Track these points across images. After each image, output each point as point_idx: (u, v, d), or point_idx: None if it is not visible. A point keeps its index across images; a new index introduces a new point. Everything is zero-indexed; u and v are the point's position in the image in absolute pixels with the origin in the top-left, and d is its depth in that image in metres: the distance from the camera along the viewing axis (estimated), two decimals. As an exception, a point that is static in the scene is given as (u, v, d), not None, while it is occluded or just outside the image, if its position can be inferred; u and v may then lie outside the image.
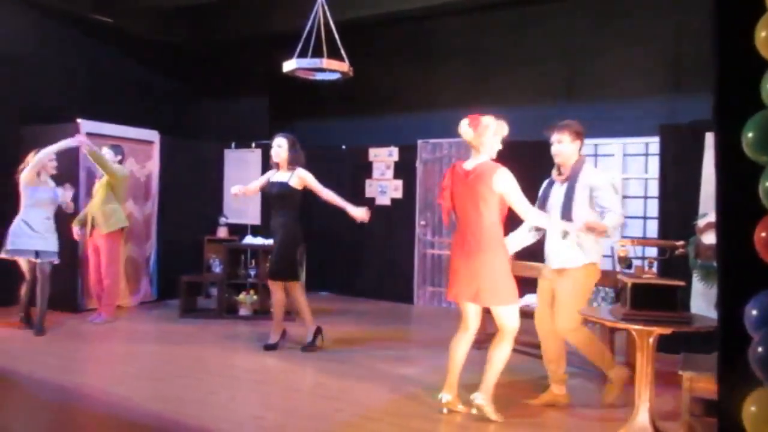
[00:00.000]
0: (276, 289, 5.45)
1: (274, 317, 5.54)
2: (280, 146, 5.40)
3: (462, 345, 3.88)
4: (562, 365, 4.08)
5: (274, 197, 5.40)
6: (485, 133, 3.68)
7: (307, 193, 8.51)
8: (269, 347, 5.39)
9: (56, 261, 5.81)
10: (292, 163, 5.40)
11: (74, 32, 7.63)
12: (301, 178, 5.37)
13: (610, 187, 3.94)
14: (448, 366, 3.88)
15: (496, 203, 3.64)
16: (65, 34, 7.54)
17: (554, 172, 4.13)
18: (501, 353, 3.73)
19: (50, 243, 5.75)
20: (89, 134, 6.80)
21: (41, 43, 7.24)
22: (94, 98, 7.57)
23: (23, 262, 5.84)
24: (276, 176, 5.43)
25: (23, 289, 5.94)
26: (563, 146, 4.00)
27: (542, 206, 4.05)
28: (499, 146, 3.77)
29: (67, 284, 6.59)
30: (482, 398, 3.69)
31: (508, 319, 3.72)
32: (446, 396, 3.86)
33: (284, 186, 5.33)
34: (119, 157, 6.40)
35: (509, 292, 3.69)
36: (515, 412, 3.90)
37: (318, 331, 5.49)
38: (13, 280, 6.08)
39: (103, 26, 7.81)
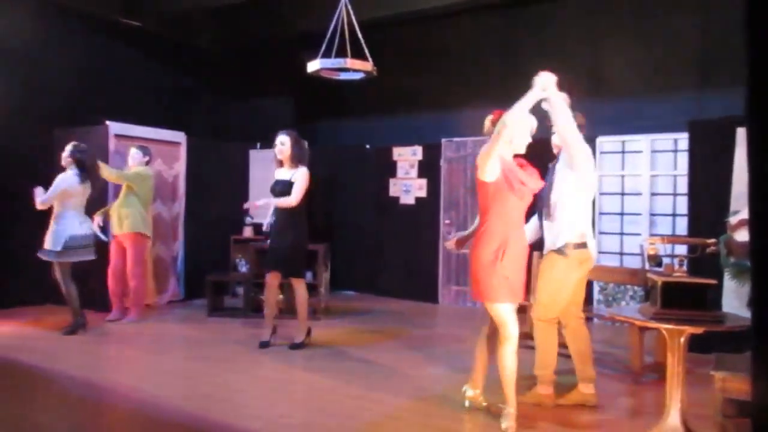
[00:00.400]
0: (273, 284, 5.41)
1: (272, 314, 5.51)
2: (283, 144, 5.34)
3: (485, 342, 3.82)
4: (589, 364, 3.99)
5: (279, 195, 5.30)
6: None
7: (326, 194, 8.55)
8: (264, 345, 5.39)
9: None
10: (296, 160, 5.35)
11: (104, 37, 7.74)
12: (303, 177, 5.30)
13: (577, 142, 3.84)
14: (474, 363, 3.85)
15: None
16: (95, 39, 7.65)
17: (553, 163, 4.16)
18: (503, 361, 3.51)
19: None
20: (118, 136, 6.92)
21: (71, 48, 7.34)
22: (122, 101, 7.67)
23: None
24: (280, 173, 5.40)
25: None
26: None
27: (547, 193, 3.96)
28: (529, 139, 3.62)
29: (98, 284, 6.68)
30: (509, 411, 3.56)
31: (498, 320, 3.54)
32: (470, 391, 3.85)
33: (288, 184, 5.28)
34: (147, 158, 6.47)
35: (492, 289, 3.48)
36: (542, 413, 3.86)
37: (309, 332, 5.53)
38: (41, 279, 6.16)
39: (132, 30, 7.92)
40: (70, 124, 6.93)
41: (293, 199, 5.21)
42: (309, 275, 7.03)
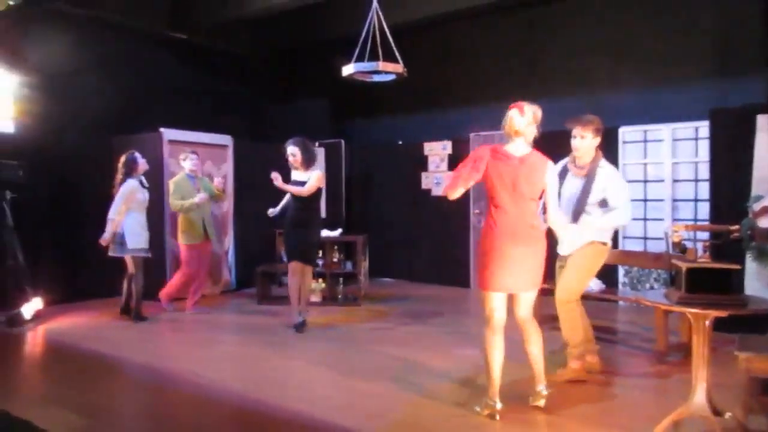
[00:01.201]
0: (299, 272, 5.60)
1: (299, 298, 5.65)
2: (294, 155, 5.58)
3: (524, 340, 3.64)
4: (591, 339, 4.13)
5: (296, 196, 5.56)
6: (531, 121, 3.41)
7: (363, 189, 8.69)
8: (300, 326, 5.56)
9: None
10: (307, 164, 5.60)
11: (153, 49, 7.89)
12: (317, 177, 5.56)
13: (621, 188, 3.91)
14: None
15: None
16: (144, 51, 7.81)
17: (570, 164, 4.09)
18: (482, 344, 3.50)
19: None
20: (171, 141, 7.05)
21: (125, 62, 7.51)
22: (173, 108, 7.81)
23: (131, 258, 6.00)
24: (297, 176, 5.65)
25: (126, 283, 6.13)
26: (585, 142, 3.95)
27: (584, 195, 3.97)
28: (536, 132, 3.47)
29: (156, 275, 6.86)
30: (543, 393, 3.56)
31: (484, 306, 3.48)
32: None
33: (302, 185, 5.53)
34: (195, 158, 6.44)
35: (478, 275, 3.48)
36: (571, 391, 3.83)
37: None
38: (113, 273, 6.36)
39: (178, 42, 8.05)
40: (127, 131, 7.09)
41: (305, 191, 5.48)
42: (348, 264, 7.12)
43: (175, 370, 4.48)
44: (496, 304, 3.43)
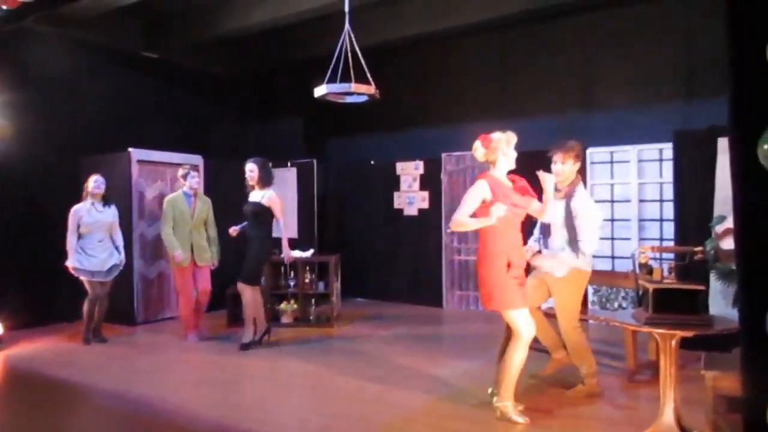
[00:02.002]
0: (245, 290, 5.69)
1: (260, 317, 5.78)
2: (252, 171, 5.73)
3: (503, 348, 3.86)
4: (561, 347, 4.39)
5: (249, 214, 5.71)
6: (499, 148, 3.66)
7: (341, 205, 8.75)
8: (256, 343, 5.69)
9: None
10: (263, 183, 5.72)
11: (125, 69, 7.80)
12: (270, 200, 5.68)
13: (587, 221, 4.02)
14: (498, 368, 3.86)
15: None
16: (116, 70, 7.71)
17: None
18: (511, 358, 3.67)
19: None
20: (140, 161, 6.96)
21: (95, 81, 7.41)
22: (143, 128, 7.73)
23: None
24: (252, 195, 5.77)
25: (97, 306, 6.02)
26: (566, 167, 4.10)
27: (565, 220, 4.12)
28: (514, 153, 3.72)
29: (124, 298, 6.71)
30: (500, 401, 3.68)
31: (512, 324, 3.68)
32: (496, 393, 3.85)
33: (257, 205, 5.67)
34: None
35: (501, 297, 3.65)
36: (542, 414, 3.85)
37: (267, 331, 5.84)
38: (79, 297, 6.20)
39: (150, 61, 7.99)
40: (97, 152, 6.98)
41: (280, 220, 5.78)
42: (321, 285, 7.08)
43: (142, 396, 4.37)
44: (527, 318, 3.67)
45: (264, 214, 5.69)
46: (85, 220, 5.83)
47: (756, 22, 2.03)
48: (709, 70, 6.08)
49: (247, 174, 5.75)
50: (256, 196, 5.73)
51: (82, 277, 5.86)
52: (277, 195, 5.78)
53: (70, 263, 5.79)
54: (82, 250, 5.83)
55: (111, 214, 6.02)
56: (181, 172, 6.23)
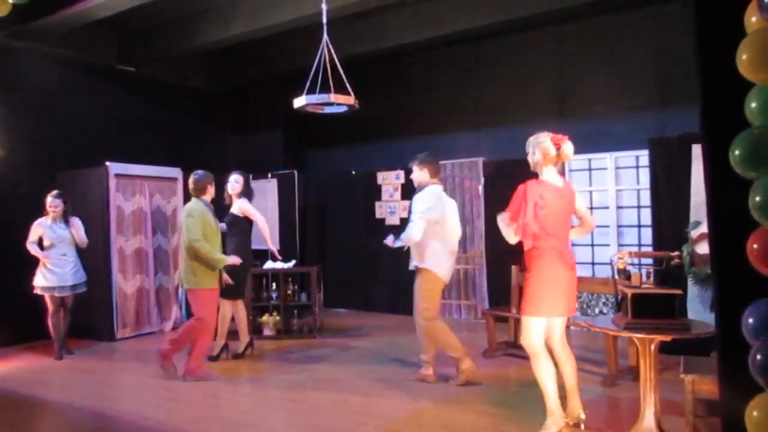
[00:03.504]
0: (225, 305, 5.60)
1: (221, 331, 5.66)
2: (237, 182, 5.70)
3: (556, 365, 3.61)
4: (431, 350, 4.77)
5: (227, 225, 5.63)
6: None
7: (323, 215, 8.70)
8: (213, 358, 5.58)
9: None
10: (240, 196, 5.67)
11: (100, 81, 7.72)
12: (240, 207, 5.63)
13: (413, 215, 4.61)
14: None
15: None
16: (92, 84, 7.63)
17: None
18: (535, 372, 3.50)
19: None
20: (118, 175, 6.87)
21: (70, 93, 7.32)
22: (121, 141, 7.65)
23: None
24: (233, 208, 5.73)
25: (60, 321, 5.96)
26: (414, 174, 4.98)
27: None
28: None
29: (102, 313, 6.60)
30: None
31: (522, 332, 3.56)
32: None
33: (231, 215, 5.65)
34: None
35: (526, 303, 3.48)
36: (527, 417, 3.86)
37: (250, 344, 5.80)
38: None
39: (127, 74, 7.92)
40: (73, 166, 6.88)
41: (259, 219, 5.70)
42: (303, 296, 7.04)
43: (122, 413, 4.29)
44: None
45: (239, 224, 5.62)
46: (48, 234, 5.88)
47: (724, 36, 2.09)
48: (682, 80, 6.19)
49: (232, 185, 5.68)
50: (233, 207, 5.70)
51: (44, 294, 5.85)
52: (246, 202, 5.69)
53: (35, 283, 5.84)
54: (44, 265, 5.83)
55: (73, 226, 6.00)
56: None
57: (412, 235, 4.52)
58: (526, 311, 3.43)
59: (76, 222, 6.04)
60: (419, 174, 4.91)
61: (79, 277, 5.98)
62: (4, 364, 5.80)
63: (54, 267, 5.83)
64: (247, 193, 5.72)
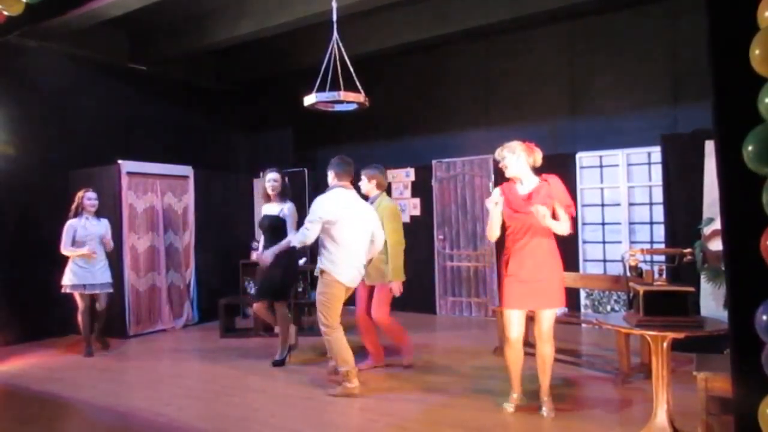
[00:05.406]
0: (278, 307, 5.47)
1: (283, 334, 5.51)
2: (276, 180, 5.42)
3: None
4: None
5: (266, 228, 5.41)
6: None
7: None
8: (278, 363, 5.40)
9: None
10: (284, 195, 5.43)
11: (112, 81, 7.78)
12: (292, 214, 5.38)
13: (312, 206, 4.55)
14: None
15: None
16: (104, 83, 7.69)
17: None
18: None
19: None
20: (130, 173, 6.93)
21: (82, 92, 7.38)
22: (132, 140, 7.72)
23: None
24: (266, 209, 5.47)
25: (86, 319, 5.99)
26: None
27: None
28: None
29: (115, 311, 6.67)
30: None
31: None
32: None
33: (274, 218, 5.35)
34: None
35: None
36: (534, 416, 3.85)
37: (290, 349, 5.55)
38: (69, 311, 6.17)
39: (138, 73, 7.98)
40: (86, 165, 6.95)
41: (291, 231, 5.29)
42: (314, 294, 7.02)
43: (135, 410, 4.34)
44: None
45: (283, 228, 5.33)
46: (80, 232, 5.89)
47: (737, 31, 2.07)
48: (695, 76, 6.14)
49: (269, 184, 5.40)
50: (272, 209, 5.41)
51: (74, 292, 5.87)
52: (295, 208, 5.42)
53: (64, 282, 5.85)
54: (74, 265, 5.85)
55: (103, 226, 6.06)
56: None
57: (301, 237, 4.53)
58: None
59: (107, 224, 6.13)
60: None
61: (107, 277, 6.03)
62: (18, 360, 5.86)
63: (86, 265, 5.86)
64: (286, 191, 5.47)
